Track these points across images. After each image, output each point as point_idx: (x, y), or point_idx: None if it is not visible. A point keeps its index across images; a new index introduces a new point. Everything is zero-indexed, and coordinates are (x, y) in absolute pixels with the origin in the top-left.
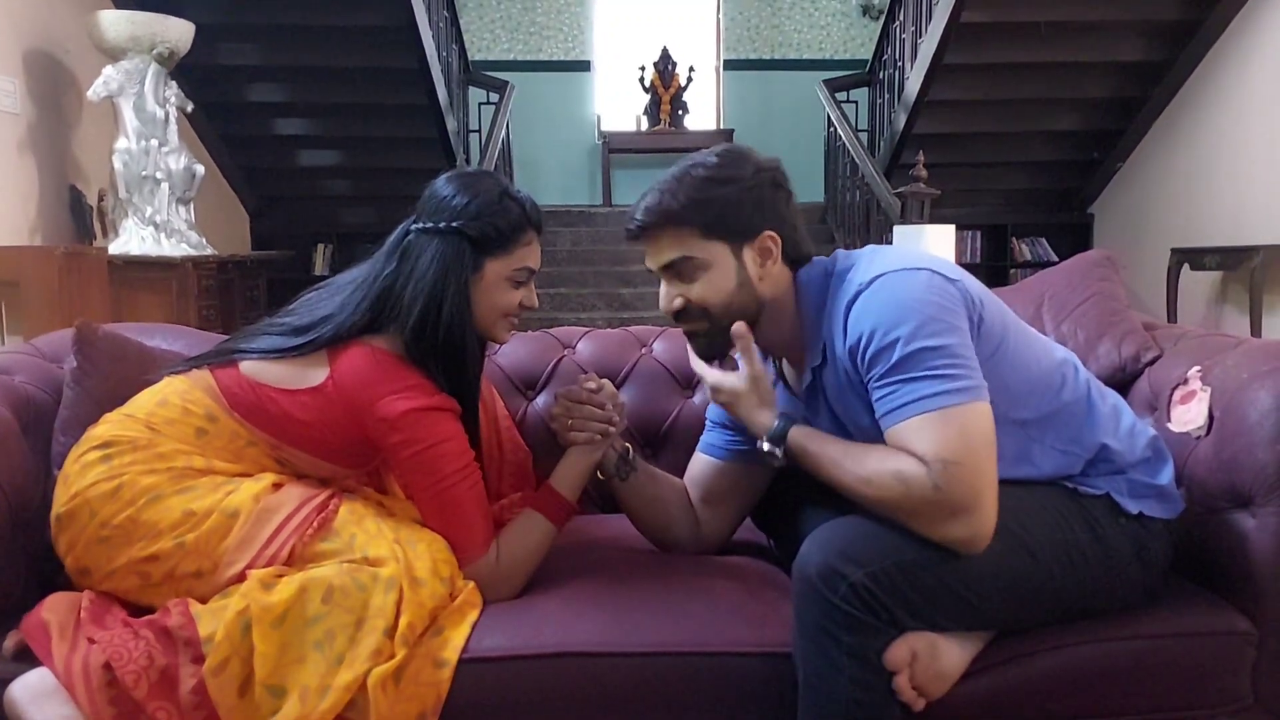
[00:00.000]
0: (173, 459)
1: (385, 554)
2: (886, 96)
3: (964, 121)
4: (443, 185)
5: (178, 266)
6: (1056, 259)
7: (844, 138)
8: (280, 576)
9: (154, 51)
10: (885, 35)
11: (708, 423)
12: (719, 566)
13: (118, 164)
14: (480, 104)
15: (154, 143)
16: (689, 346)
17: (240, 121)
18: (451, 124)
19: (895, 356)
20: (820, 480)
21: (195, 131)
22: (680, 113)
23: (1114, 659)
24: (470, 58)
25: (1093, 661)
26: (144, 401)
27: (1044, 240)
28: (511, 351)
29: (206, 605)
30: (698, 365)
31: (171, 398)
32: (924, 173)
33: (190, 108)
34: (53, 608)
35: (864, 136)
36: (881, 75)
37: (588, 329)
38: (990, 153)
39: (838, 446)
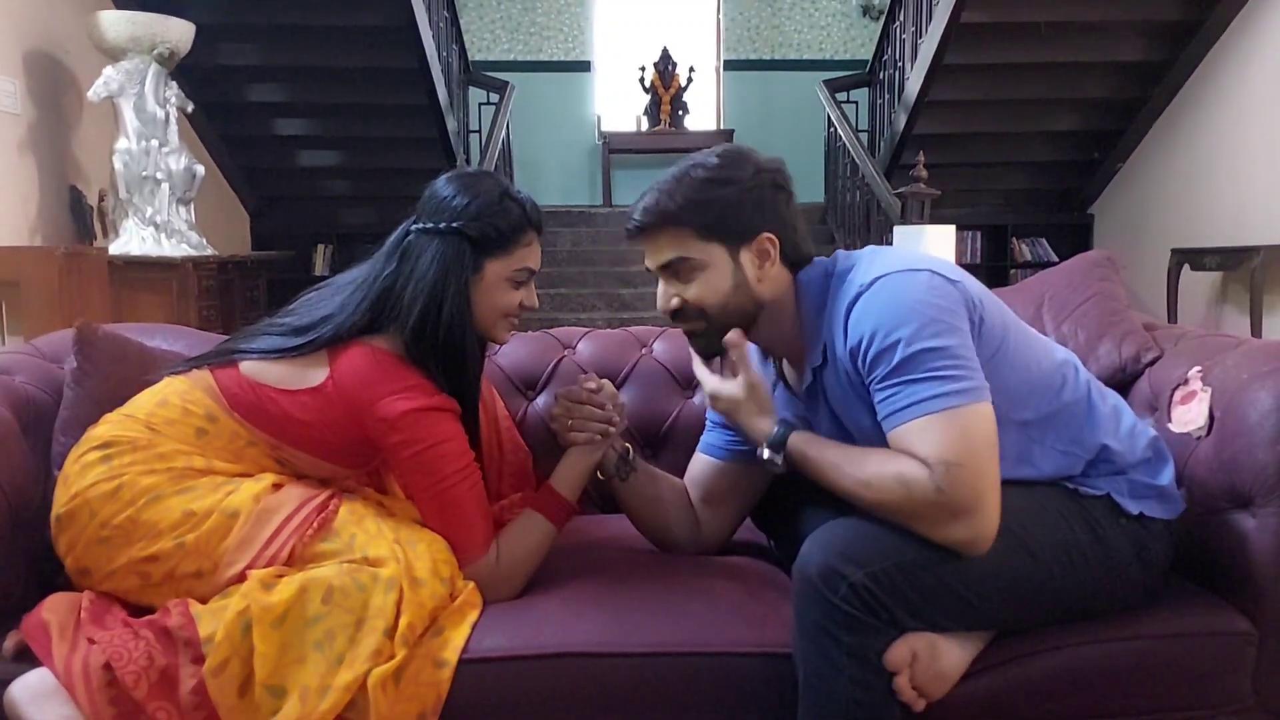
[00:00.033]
0: (173, 459)
1: (385, 554)
2: (886, 97)
3: (964, 122)
4: (443, 186)
5: (178, 267)
6: (1056, 259)
7: (844, 138)
8: (280, 577)
9: (154, 52)
10: (885, 35)
11: (708, 423)
12: (719, 566)
13: (118, 164)
14: (480, 104)
15: (154, 143)
16: (690, 348)
17: (240, 122)
18: (451, 124)
19: (897, 358)
20: (821, 485)
21: (195, 132)
22: (680, 113)
23: (1114, 659)
24: (470, 58)
25: (1093, 662)
26: (144, 402)
27: (1044, 241)
28: (511, 352)
29: (206, 605)
30: (699, 371)
31: (171, 398)
32: (924, 173)
33: (190, 108)
34: (53, 608)
35: (864, 137)
36: (881, 75)
37: (588, 329)
38: (990, 153)
39: (837, 451)
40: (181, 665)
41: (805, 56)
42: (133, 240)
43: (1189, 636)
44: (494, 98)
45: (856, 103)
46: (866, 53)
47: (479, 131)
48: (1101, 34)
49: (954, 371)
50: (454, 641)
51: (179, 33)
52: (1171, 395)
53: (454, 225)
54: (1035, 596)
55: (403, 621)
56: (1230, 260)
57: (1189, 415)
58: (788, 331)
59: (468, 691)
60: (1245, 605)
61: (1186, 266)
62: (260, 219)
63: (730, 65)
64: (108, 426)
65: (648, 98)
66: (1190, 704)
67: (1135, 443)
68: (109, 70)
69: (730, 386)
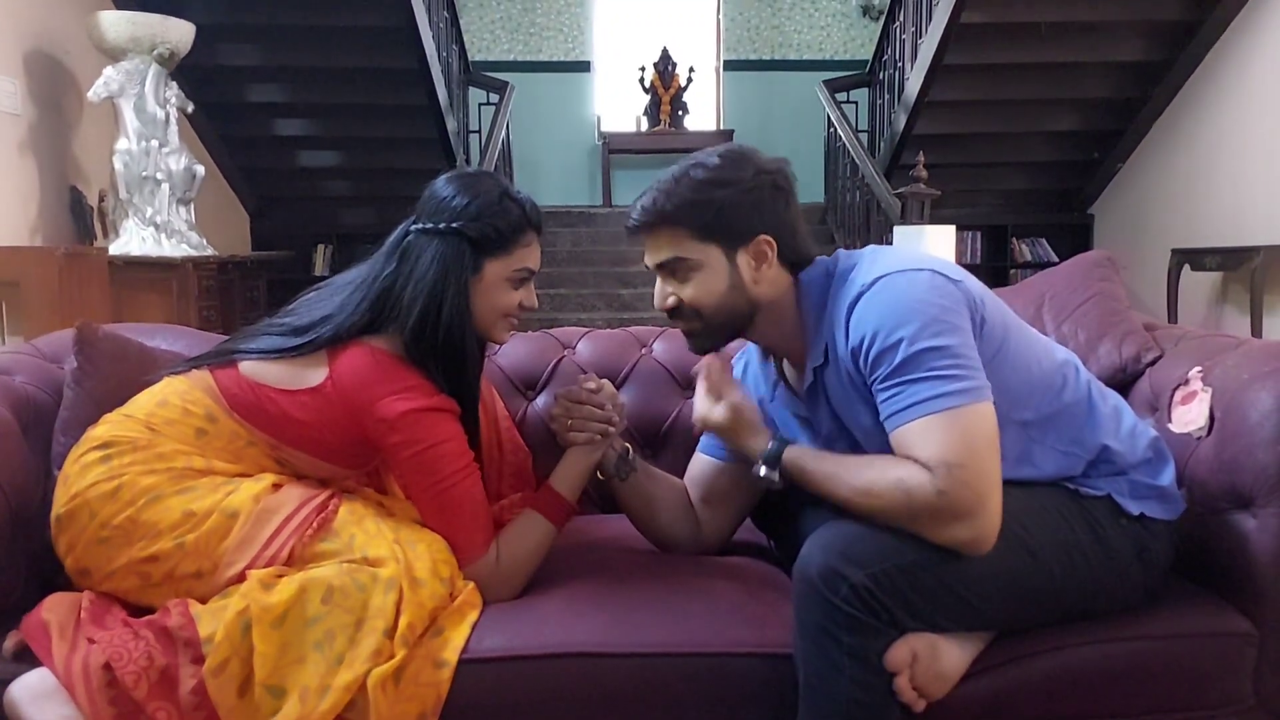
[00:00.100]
0: (172, 459)
1: (385, 554)
2: (886, 97)
3: (964, 122)
4: (443, 186)
5: (178, 267)
6: (1057, 259)
7: (844, 138)
8: (280, 577)
9: (154, 52)
10: (885, 36)
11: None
12: (719, 567)
13: (118, 164)
14: (480, 104)
15: (154, 143)
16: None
17: (240, 122)
18: (451, 124)
19: (899, 358)
20: (820, 497)
21: (195, 132)
22: (680, 113)
23: (1115, 660)
24: (470, 58)
25: (1093, 662)
26: (144, 402)
27: (1044, 241)
28: (511, 352)
29: (206, 605)
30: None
31: (171, 398)
32: (924, 173)
33: (190, 108)
34: (53, 608)
35: (864, 137)
36: (881, 76)
37: (588, 329)
38: (990, 153)
39: (834, 462)
40: (181, 665)
41: (805, 57)
42: (133, 240)
43: (1189, 637)
44: (494, 98)
45: (856, 103)
46: (866, 53)
47: (479, 132)
48: (1101, 34)
49: (956, 371)
50: (454, 642)
51: (179, 33)
52: (1172, 395)
53: (454, 225)
54: (1036, 597)
55: (402, 622)
56: (1230, 260)
57: (1189, 415)
58: (789, 331)
59: (468, 691)
60: (1246, 606)
61: (1187, 266)
62: (260, 219)
63: (730, 65)
64: (107, 427)
65: (647, 98)
66: (1190, 704)
67: (1136, 443)
68: (109, 70)
69: (716, 411)
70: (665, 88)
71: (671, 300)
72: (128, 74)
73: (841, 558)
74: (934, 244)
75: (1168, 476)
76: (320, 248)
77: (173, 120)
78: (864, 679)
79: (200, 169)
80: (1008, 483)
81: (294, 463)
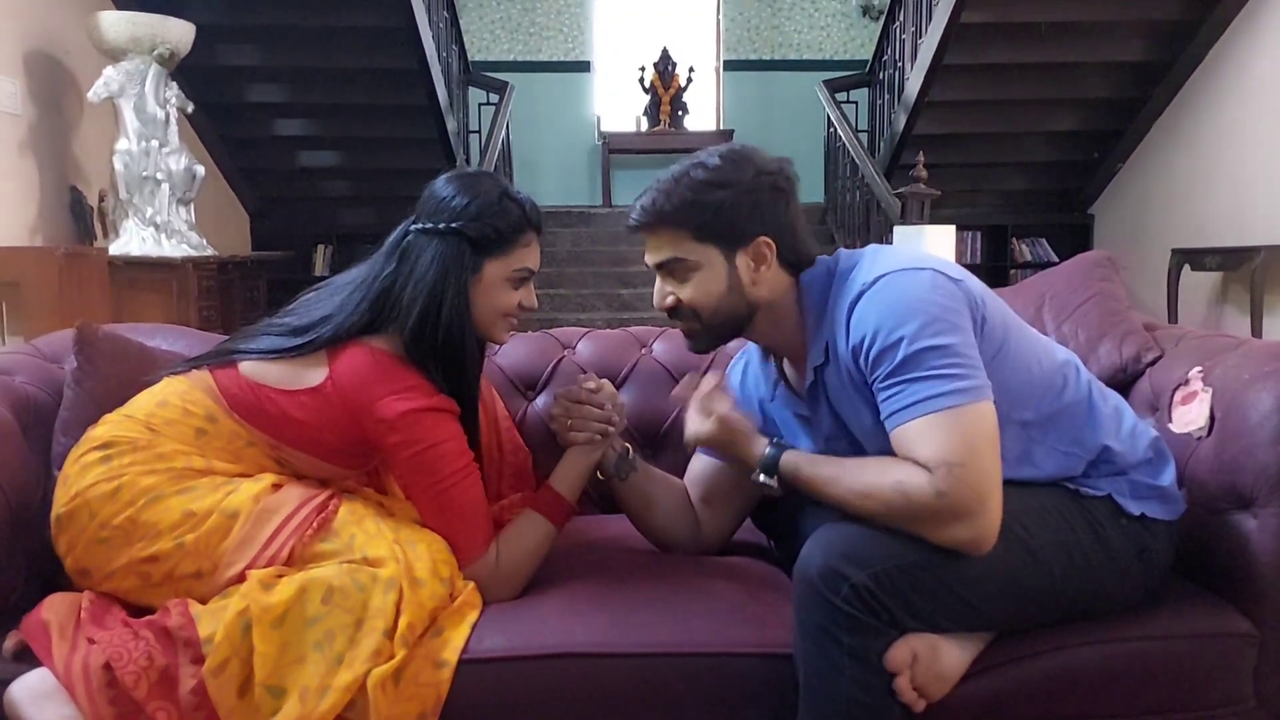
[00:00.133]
0: (172, 459)
1: (385, 554)
2: (886, 97)
3: (964, 122)
4: (442, 186)
5: (178, 267)
6: (1057, 260)
7: (844, 138)
8: (280, 577)
9: (154, 52)
10: (885, 36)
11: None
12: (719, 567)
13: (118, 165)
14: (480, 104)
15: (154, 143)
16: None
17: (240, 122)
18: (451, 125)
19: (899, 356)
20: (819, 501)
21: (195, 132)
22: (680, 113)
23: (1115, 660)
24: (470, 58)
25: (1093, 663)
26: (144, 402)
27: (1044, 241)
28: (511, 352)
29: (206, 606)
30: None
31: (171, 398)
32: (924, 173)
33: (191, 108)
34: (53, 608)
35: (864, 137)
36: (881, 76)
37: (587, 329)
38: (990, 153)
39: (832, 466)
40: (181, 665)
41: (805, 56)
42: (133, 240)
43: (1190, 637)
44: (494, 98)
45: (856, 103)
46: (866, 53)
47: (479, 132)
48: (1101, 34)
49: (956, 370)
50: (454, 642)
51: (179, 33)
52: (1172, 395)
53: (453, 225)
54: (1036, 597)
55: (402, 622)
56: (1231, 260)
57: (1190, 416)
58: (789, 331)
59: (467, 692)
60: (1246, 606)
61: (1187, 267)
62: (260, 219)
63: (730, 65)
64: (107, 427)
65: (647, 98)
66: (1191, 705)
67: (1136, 443)
68: (109, 71)
69: (705, 426)
70: (665, 88)
71: (670, 300)
72: (128, 74)
73: (842, 558)
74: (934, 244)
75: (1168, 477)
76: (320, 248)
77: (173, 120)
78: (864, 679)
79: (200, 169)
80: (1008, 483)
81: (294, 463)
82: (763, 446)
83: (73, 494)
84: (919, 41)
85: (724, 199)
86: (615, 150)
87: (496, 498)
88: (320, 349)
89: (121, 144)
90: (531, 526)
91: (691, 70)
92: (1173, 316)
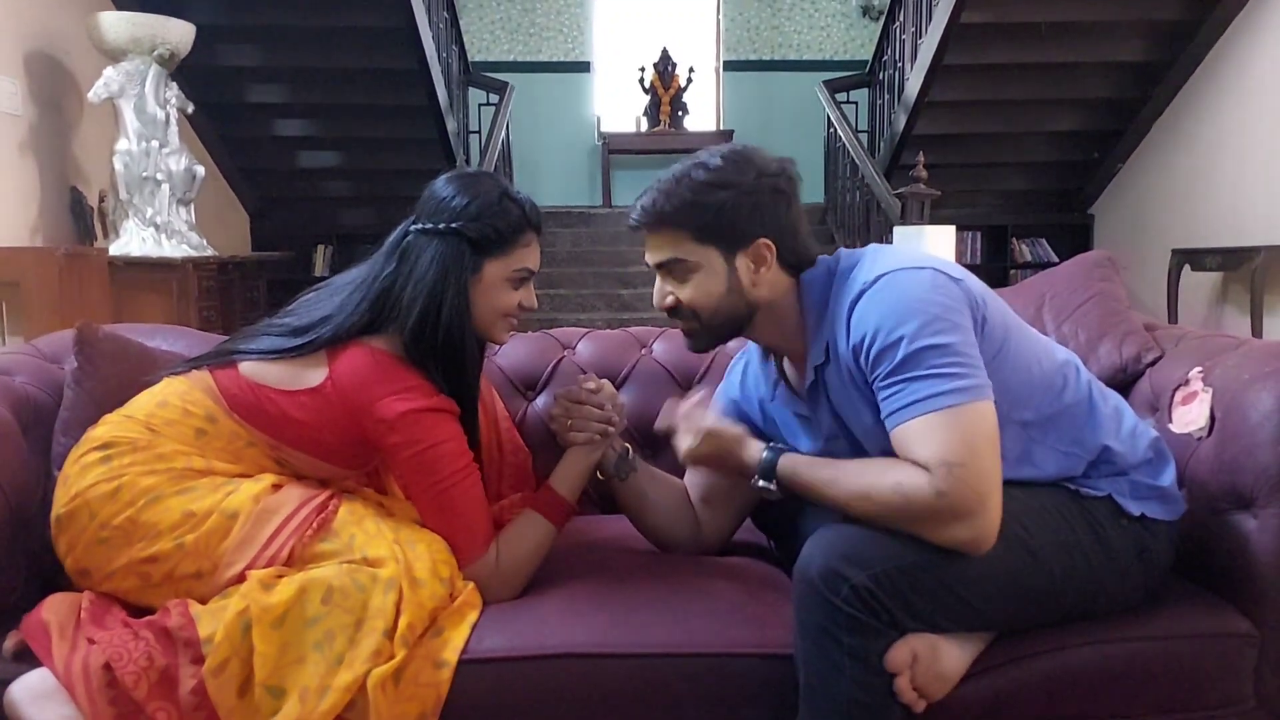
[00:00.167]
0: (172, 460)
1: (385, 554)
2: (886, 97)
3: (964, 122)
4: (442, 186)
5: (178, 267)
6: (1057, 260)
7: (844, 138)
8: (280, 577)
9: (154, 53)
10: (885, 36)
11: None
12: (719, 567)
13: (118, 165)
14: (480, 105)
15: (154, 144)
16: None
17: (240, 123)
18: (451, 125)
19: (899, 355)
20: (818, 503)
21: (195, 132)
22: (680, 113)
23: (1115, 661)
24: (470, 59)
25: (1093, 663)
26: (144, 402)
27: (1044, 241)
28: (511, 352)
29: (206, 606)
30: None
31: (171, 399)
32: (924, 173)
33: (191, 109)
34: (53, 608)
35: (864, 137)
36: (881, 76)
37: (587, 329)
38: (990, 153)
39: (830, 468)
40: (181, 665)
41: (805, 57)
42: (133, 241)
43: (1190, 638)
44: (494, 98)
45: (856, 103)
46: (866, 53)
47: (479, 132)
48: (1101, 34)
49: (956, 369)
50: (454, 642)
51: (179, 34)
52: (1172, 396)
53: (453, 226)
54: (1036, 597)
55: (402, 622)
56: (1231, 260)
57: (1190, 416)
58: (789, 331)
59: (467, 692)
60: (1246, 606)
61: (1187, 267)
62: (260, 220)
63: (730, 65)
64: (107, 427)
65: (647, 98)
66: (1190, 705)
67: (1136, 443)
68: (109, 71)
69: (697, 443)
70: (665, 88)
71: (670, 300)
72: (128, 74)
73: (842, 558)
74: (934, 244)
75: (1168, 477)
76: (320, 248)
77: (173, 121)
78: (864, 679)
79: (200, 169)
80: (1008, 483)
81: (294, 463)
82: (758, 451)
83: (73, 494)
84: (919, 42)
85: (725, 200)
86: (615, 150)
87: (496, 498)
88: (320, 349)
89: (121, 144)
90: (531, 526)
91: (691, 70)
92: (1173, 316)
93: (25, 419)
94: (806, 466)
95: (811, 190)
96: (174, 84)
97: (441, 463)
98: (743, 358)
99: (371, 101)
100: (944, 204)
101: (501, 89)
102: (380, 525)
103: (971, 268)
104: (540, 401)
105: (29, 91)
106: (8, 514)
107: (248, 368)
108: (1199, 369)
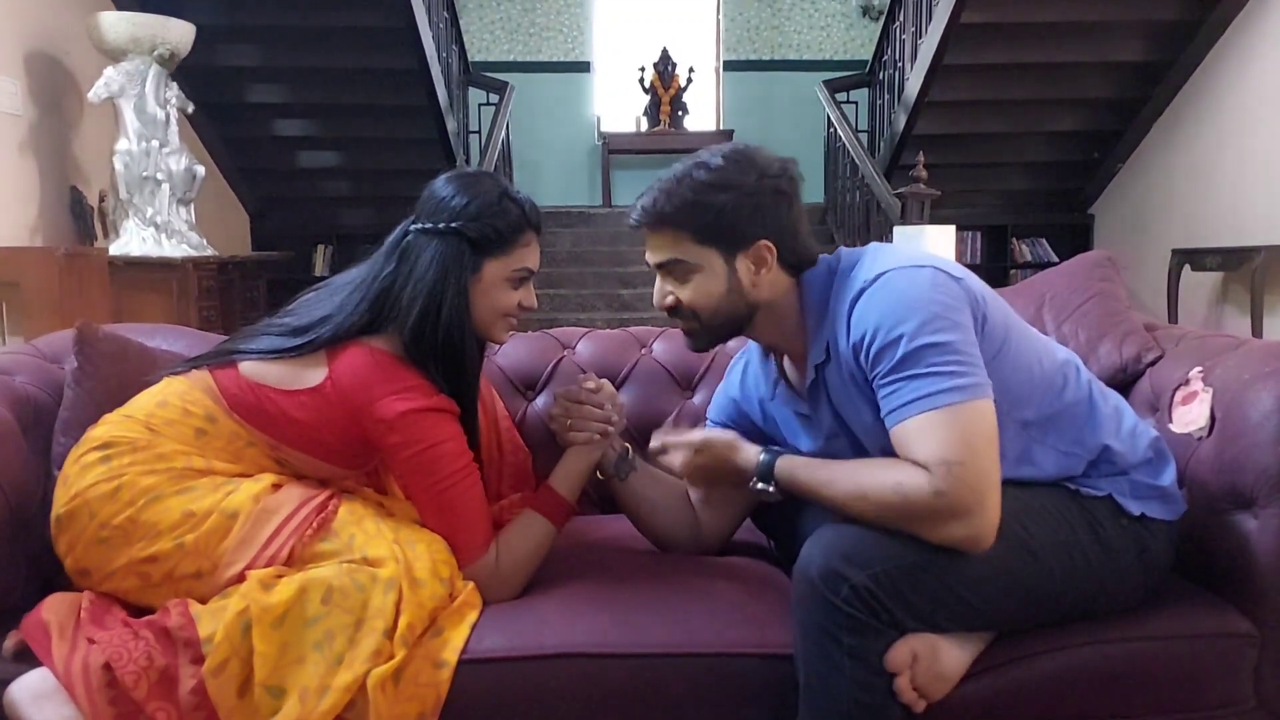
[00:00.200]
0: (172, 460)
1: (384, 554)
2: (886, 97)
3: (964, 122)
4: (442, 186)
5: (178, 267)
6: (1057, 260)
7: (844, 138)
8: (280, 577)
9: (155, 53)
10: (885, 36)
11: (707, 422)
12: (719, 567)
13: (118, 165)
14: (480, 105)
15: (155, 144)
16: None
17: (240, 123)
18: (451, 125)
19: (899, 353)
20: (817, 504)
21: (196, 132)
22: (680, 113)
23: (1115, 660)
24: (470, 59)
25: (1093, 663)
26: (143, 402)
27: (1044, 241)
28: (511, 352)
29: (206, 606)
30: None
31: (171, 399)
32: (924, 173)
33: (191, 109)
34: (53, 608)
35: (864, 137)
36: (881, 76)
37: (587, 329)
38: (990, 153)
39: (828, 469)
40: (181, 665)
41: (805, 57)
42: (133, 241)
43: (1190, 638)
44: (494, 98)
45: (856, 103)
46: (866, 53)
47: (479, 132)
48: (1101, 34)
49: (956, 368)
50: (453, 642)
51: (179, 34)
52: (1172, 396)
53: (453, 225)
54: (1036, 597)
55: (402, 622)
56: (1231, 260)
57: (1190, 416)
58: (789, 330)
59: (467, 692)
60: (1247, 606)
61: (1187, 267)
62: (260, 219)
63: (730, 65)
64: (107, 427)
65: (647, 98)
66: (1191, 705)
67: (1137, 443)
68: (109, 71)
69: (689, 459)
70: (665, 88)
71: (670, 300)
72: (128, 74)
73: (842, 559)
74: (934, 244)
75: (1169, 477)
76: (320, 248)
77: (173, 121)
78: (864, 679)
79: (200, 169)
80: (1008, 483)
81: (294, 463)
82: (755, 454)
83: (73, 494)
84: (919, 42)
85: (725, 201)
86: (615, 150)
87: (496, 498)
88: (320, 349)
89: (122, 144)
90: (531, 526)
91: (691, 70)
92: (1173, 316)
93: (25, 419)
94: (804, 467)
95: (811, 190)
96: (174, 84)
97: (441, 463)
98: (743, 357)
99: (371, 101)
100: (944, 204)
101: (501, 89)
102: (380, 525)
103: (971, 267)
104: (540, 401)
105: (29, 91)
106: (8, 514)
107: (248, 367)
108: (1199, 369)
